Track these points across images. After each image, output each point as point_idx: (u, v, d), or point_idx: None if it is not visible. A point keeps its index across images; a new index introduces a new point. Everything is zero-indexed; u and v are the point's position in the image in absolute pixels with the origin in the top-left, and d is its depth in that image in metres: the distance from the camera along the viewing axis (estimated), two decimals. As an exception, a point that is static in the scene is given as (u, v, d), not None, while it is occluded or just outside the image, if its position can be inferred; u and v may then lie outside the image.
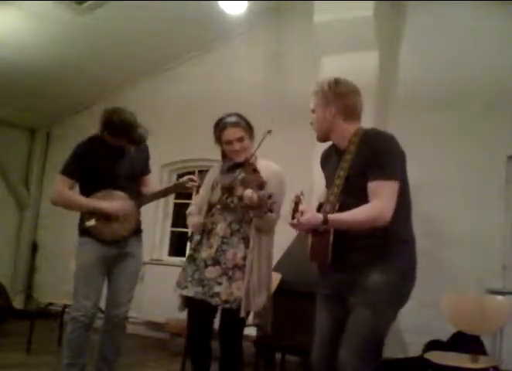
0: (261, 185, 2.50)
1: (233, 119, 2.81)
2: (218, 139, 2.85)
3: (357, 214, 2.09)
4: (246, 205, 2.57)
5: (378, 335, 2.15)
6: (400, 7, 4.75)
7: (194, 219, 2.86)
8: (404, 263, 2.20)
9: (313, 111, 2.33)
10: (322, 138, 2.37)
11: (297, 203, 2.13)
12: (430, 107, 4.46)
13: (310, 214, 2.10)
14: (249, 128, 2.84)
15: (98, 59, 5.49)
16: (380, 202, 2.08)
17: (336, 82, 2.29)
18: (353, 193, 2.14)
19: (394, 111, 4.58)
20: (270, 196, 2.42)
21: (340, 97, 2.26)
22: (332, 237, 2.14)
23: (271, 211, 2.46)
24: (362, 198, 2.12)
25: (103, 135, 3.07)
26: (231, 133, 2.78)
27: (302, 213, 2.09)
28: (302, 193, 2.16)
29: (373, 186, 2.12)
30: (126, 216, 3.11)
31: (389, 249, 2.16)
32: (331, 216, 2.10)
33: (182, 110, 5.73)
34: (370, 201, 2.11)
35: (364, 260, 2.15)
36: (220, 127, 2.82)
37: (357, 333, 2.11)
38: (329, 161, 2.39)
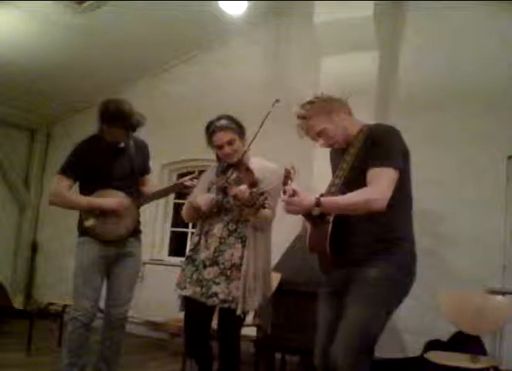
0: (253, 184, 2.52)
1: (221, 122, 2.80)
2: (209, 143, 2.86)
3: (352, 197, 2.08)
4: (240, 203, 2.59)
5: (372, 332, 2.14)
6: (400, 7, 4.75)
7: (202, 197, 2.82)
8: (403, 258, 2.19)
9: (322, 131, 2.27)
10: (346, 143, 2.31)
11: (287, 176, 2.10)
12: (430, 107, 4.46)
13: (303, 194, 2.08)
14: (240, 129, 2.84)
15: (98, 59, 5.49)
16: (375, 187, 2.08)
17: (322, 93, 2.31)
18: (354, 186, 2.14)
19: (394, 111, 4.57)
20: (262, 193, 2.44)
21: (334, 100, 2.28)
22: (330, 227, 2.13)
23: (263, 207, 2.48)
24: None
25: (101, 130, 3.08)
26: (221, 137, 2.78)
27: (294, 192, 2.06)
28: (292, 167, 2.12)
29: (370, 173, 2.12)
30: (125, 216, 3.11)
31: (388, 245, 2.16)
32: (325, 199, 2.08)
33: (182, 110, 5.73)
34: None
35: (363, 256, 2.16)
36: (209, 131, 2.83)
37: (351, 330, 2.11)
38: (336, 156, 2.39)
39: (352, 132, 2.28)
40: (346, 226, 2.16)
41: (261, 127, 2.63)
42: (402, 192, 2.16)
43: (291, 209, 2.08)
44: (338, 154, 2.35)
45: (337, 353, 2.11)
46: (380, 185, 2.07)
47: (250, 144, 2.77)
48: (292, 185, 2.08)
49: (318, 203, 2.06)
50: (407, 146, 2.23)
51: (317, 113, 2.27)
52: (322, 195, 2.23)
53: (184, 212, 2.94)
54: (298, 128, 2.34)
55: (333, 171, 2.36)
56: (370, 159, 2.12)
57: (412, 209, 2.28)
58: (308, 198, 2.07)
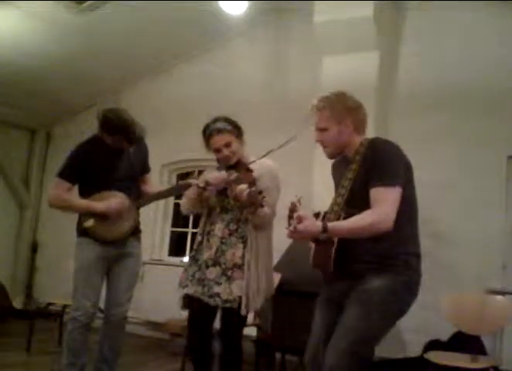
0: (251, 183, 2.52)
1: (218, 125, 2.78)
2: (207, 146, 2.85)
3: (358, 221, 2.05)
4: (240, 204, 2.60)
5: (369, 338, 2.11)
6: (400, 7, 4.74)
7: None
8: (407, 276, 2.15)
9: (324, 129, 2.26)
10: (336, 155, 2.31)
11: (292, 210, 2.07)
12: (430, 107, 4.46)
13: (308, 221, 2.04)
14: (237, 131, 2.82)
15: (98, 59, 5.49)
16: (380, 208, 2.04)
17: (346, 97, 2.26)
18: (357, 203, 2.11)
19: (394, 111, 4.57)
20: (260, 192, 2.45)
21: (353, 111, 2.25)
22: (335, 247, 2.11)
23: (262, 206, 2.50)
24: (366, 208, 2.08)
25: (102, 136, 3.07)
26: (217, 140, 2.77)
27: (299, 219, 2.03)
28: (298, 200, 2.10)
29: (373, 193, 2.09)
30: (125, 217, 3.11)
31: (393, 262, 2.13)
32: (331, 224, 2.05)
33: (182, 110, 5.73)
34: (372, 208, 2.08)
35: (367, 272, 2.13)
36: (206, 134, 2.81)
37: (347, 334, 2.07)
38: (338, 170, 2.36)
39: (350, 148, 2.25)
40: (351, 243, 2.12)
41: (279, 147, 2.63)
42: (407, 209, 2.12)
43: (296, 236, 2.06)
44: (340, 168, 2.33)
45: (332, 355, 2.07)
46: (384, 206, 2.04)
47: (256, 160, 2.76)
48: (298, 212, 2.05)
49: (324, 229, 2.03)
50: (408, 159, 2.19)
51: (331, 111, 2.23)
52: (325, 213, 2.21)
53: (185, 199, 2.89)
54: (309, 116, 2.31)
55: (336, 185, 2.34)
56: (373, 179, 2.09)
57: (418, 224, 2.24)
58: (314, 224, 2.04)
